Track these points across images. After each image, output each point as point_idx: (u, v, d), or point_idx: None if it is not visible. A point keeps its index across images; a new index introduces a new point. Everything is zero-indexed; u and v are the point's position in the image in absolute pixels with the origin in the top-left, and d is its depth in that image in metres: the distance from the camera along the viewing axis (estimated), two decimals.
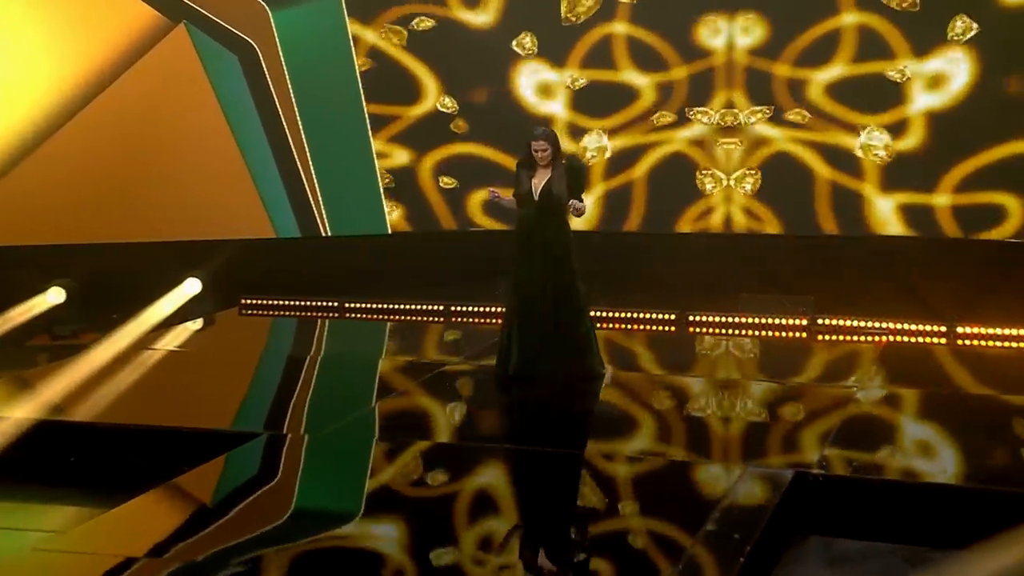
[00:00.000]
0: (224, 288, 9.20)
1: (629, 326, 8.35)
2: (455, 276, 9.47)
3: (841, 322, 8.03)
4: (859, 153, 9.16)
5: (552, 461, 5.36)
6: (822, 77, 9.25)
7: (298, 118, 9.69)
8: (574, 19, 9.65)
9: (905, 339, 7.87)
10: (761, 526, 4.35)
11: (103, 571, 4.10)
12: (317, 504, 4.90)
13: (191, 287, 9.15)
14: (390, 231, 10.02)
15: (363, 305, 9.01)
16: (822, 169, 9.35)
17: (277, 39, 9.63)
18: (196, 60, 9.47)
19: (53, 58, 9.18)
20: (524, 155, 6.52)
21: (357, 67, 9.85)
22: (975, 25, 8.83)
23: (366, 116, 9.96)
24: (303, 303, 9.14)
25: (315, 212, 9.84)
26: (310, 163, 9.75)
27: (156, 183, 9.41)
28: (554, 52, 9.78)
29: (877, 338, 7.83)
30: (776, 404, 6.38)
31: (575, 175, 6.52)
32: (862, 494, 4.88)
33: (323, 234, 9.86)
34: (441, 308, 8.80)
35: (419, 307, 8.88)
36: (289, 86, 9.67)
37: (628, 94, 9.67)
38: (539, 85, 9.83)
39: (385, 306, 8.97)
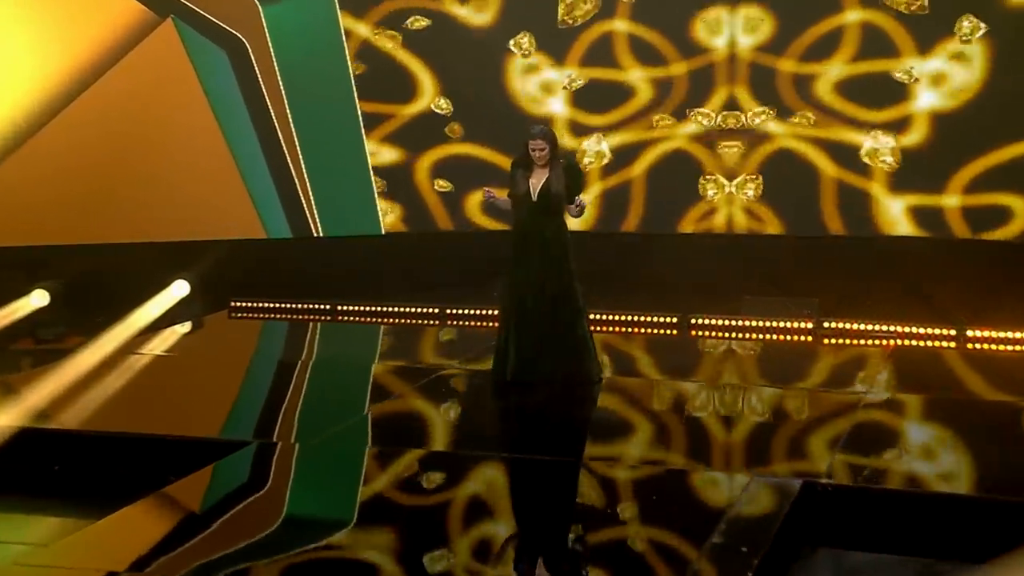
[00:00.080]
0: (213, 290, 9.15)
1: (630, 329, 8.34)
2: (451, 277, 9.46)
3: (847, 325, 8.00)
4: (867, 160, 9.12)
5: (550, 469, 5.30)
6: (828, 75, 9.21)
7: (289, 115, 9.67)
8: (571, 22, 9.64)
9: (913, 343, 7.86)
10: (769, 538, 4.26)
11: None
12: (307, 516, 4.85)
13: (179, 289, 9.09)
14: (384, 231, 10.00)
15: (356, 308, 8.97)
16: (828, 167, 9.31)
17: (267, 34, 9.60)
18: (184, 56, 9.44)
19: (37, 54, 9.16)
20: (520, 154, 6.48)
21: (352, 70, 9.83)
22: (982, 25, 8.82)
23: (359, 113, 9.91)
24: (294, 306, 9.12)
25: (307, 212, 9.81)
26: (301, 161, 9.73)
27: (143, 182, 9.39)
28: (552, 51, 9.74)
29: (884, 342, 7.81)
30: (782, 410, 6.35)
31: (573, 174, 6.52)
32: (873, 504, 4.80)
33: (315, 235, 9.84)
34: (436, 311, 8.79)
35: (414, 310, 8.86)
36: (280, 82, 9.64)
37: (628, 93, 9.62)
38: (536, 84, 9.78)
39: (379, 309, 8.95)
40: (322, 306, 9.02)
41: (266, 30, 9.56)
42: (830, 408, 6.25)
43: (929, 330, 7.80)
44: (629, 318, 8.33)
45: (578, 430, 6.12)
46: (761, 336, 8.08)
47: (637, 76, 9.54)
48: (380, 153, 9.99)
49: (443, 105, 9.87)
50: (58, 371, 7.03)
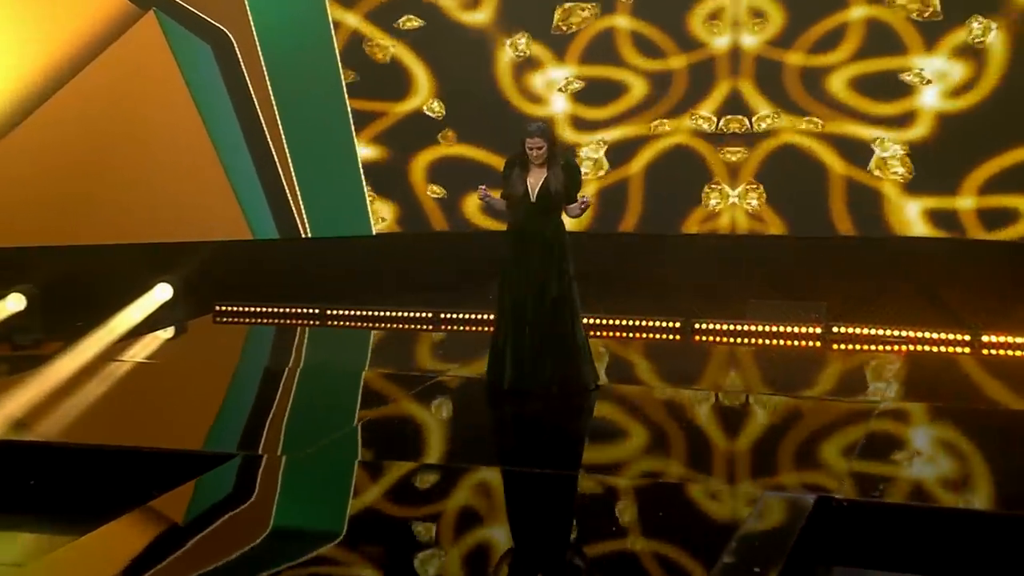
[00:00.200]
0: (197, 293, 9.08)
1: (630, 334, 8.28)
2: (446, 279, 9.43)
3: (857, 330, 7.92)
4: (877, 172, 9.10)
5: (548, 483, 5.20)
6: (836, 74, 9.19)
7: (276, 111, 9.63)
8: (565, 28, 9.64)
9: (927, 348, 7.80)
10: (783, 557, 4.13)
11: None
12: (294, 531, 4.76)
13: (161, 293, 9.00)
14: (375, 232, 9.97)
15: (346, 312, 8.92)
16: (836, 165, 9.26)
17: (253, 27, 9.56)
18: (167, 50, 9.40)
19: (12, 47, 9.11)
20: (515, 153, 6.36)
21: (343, 77, 9.80)
22: (993, 25, 8.84)
23: (348, 110, 9.88)
24: (282, 309, 9.05)
25: (294, 212, 9.75)
26: (289, 160, 9.68)
27: (123, 181, 9.35)
28: (550, 50, 9.68)
29: (896, 347, 7.75)
30: (792, 420, 6.23)
31: (571, 173, 6.42)
32: (890, 521, 4.69)
33: (303, 235, 9.80)
34: (430, 315, 8.72)
35: (407, 314, 8.79)
36: (266, 77, 9.60)
37: (627, 93, 9.56)
38: (534, 83, 9.72)
39: (370, 313, 8.88)
40: (311, 310, 8.96)
41: (252, 23, 9.54)
42: (842, 417, 6.13)
43: (943, 335, 7.73)
44: (630, 322, 8.24)
45: (576, 441, 6.03)
46: (768, 341, 8.02)
47: (636, 73, 9.50)
48: (371, 150, 9.92)
49: (436, 108, 9.84)
50: (35, 379, 6.99)
